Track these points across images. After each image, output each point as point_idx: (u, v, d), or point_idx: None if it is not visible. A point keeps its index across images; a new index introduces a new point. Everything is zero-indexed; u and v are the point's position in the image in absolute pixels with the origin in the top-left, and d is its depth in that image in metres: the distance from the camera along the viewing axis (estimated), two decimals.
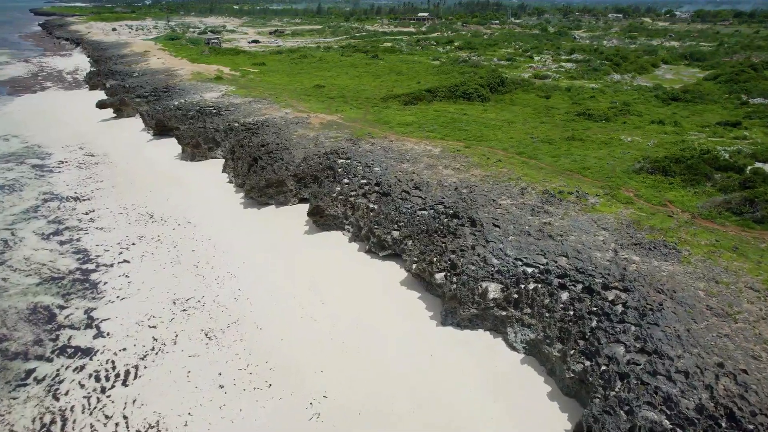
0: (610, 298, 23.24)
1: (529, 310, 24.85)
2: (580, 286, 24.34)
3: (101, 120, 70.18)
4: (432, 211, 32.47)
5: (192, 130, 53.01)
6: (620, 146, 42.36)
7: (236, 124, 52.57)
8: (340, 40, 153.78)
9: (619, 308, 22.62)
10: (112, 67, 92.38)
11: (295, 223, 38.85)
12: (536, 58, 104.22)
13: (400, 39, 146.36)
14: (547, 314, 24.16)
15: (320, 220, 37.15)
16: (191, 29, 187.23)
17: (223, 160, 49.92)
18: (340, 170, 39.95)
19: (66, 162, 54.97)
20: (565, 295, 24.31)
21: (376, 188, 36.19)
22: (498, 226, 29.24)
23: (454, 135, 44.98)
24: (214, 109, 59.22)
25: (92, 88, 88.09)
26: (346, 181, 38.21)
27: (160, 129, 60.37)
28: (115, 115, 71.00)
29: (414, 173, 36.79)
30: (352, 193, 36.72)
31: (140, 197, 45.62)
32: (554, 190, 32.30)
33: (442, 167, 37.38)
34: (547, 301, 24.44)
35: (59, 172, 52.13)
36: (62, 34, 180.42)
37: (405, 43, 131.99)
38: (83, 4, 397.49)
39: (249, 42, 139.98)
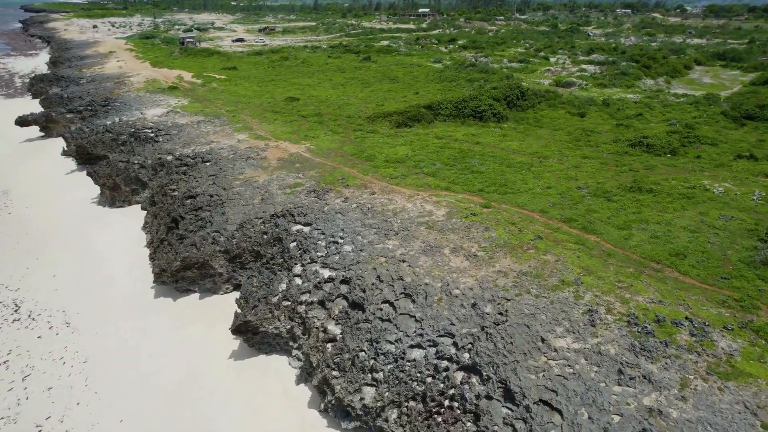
0: None
1: None
2: None
3: (25, 140, 55.84)
4: (433, 350, 18.21)
5: (109, 167, 38.71)
6: (712, 203, 27.93)
7: (169, 158, 38.22)
8: (334, 38, 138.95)
9: None
10: (60, 71, 77.90)
11: (222, 335, 24.52)
12: (552, 60, 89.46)
13: (399, 37, 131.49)
14: None
15: (254, 338, 22.89)
16: (176, 26, 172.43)
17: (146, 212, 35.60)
18: (292, 245, 25.67)
19: None
20: None
21: (342, 289, 21.89)
22: (559, 411, 14.98)
23: (464, 182, 30.55)
24: (152, 131, 44.85)
25: (35, 95, 73.65)
26: (297, 270, 23.87)
27: (84, 157, 46.05)
28: (42, 134, 56.69)
29: (404, 262, 22.46)
30: (304, 298, 22.39)
31: (18, 270, 31.39)
32: (647, 316, 17.98)
33: (448, 251, 23.02)
34: None
35: None
36: (36, 31, 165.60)
37: (403, 42, 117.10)
38: (77, 0, 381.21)
39: (233, 41, 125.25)
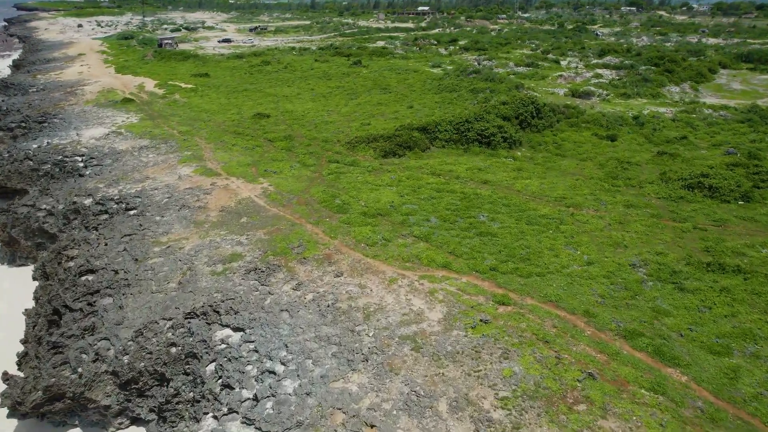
0: None
1: None
2: None
3: None
4: None
5: (5, 214, 29.63)
6: None
7: (88, 201, 29.17)
8: (327, 38, 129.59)
9: None
10: (12, 77, 68.78)
11: None
12: (563, 63, 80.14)
13: (396, 37, 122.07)
14: None
15: None
16: (164, 26, 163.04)
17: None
18: (209, 369, 16.66)
19: None
20: None
21: None
22: None
23: (470, 252, 21.41)
24: (83, 160, 35.86)
25: None
26: (207, 429, 14.79)
27: None
28: None
29: (373, 428, 13.42)
30: None
31: None
32: None
33: (446, 406, 13.90)
34: None
35: None
36: (16, 30, 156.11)
37: (400, 43, 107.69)
38: None
39: (219, 41, 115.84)
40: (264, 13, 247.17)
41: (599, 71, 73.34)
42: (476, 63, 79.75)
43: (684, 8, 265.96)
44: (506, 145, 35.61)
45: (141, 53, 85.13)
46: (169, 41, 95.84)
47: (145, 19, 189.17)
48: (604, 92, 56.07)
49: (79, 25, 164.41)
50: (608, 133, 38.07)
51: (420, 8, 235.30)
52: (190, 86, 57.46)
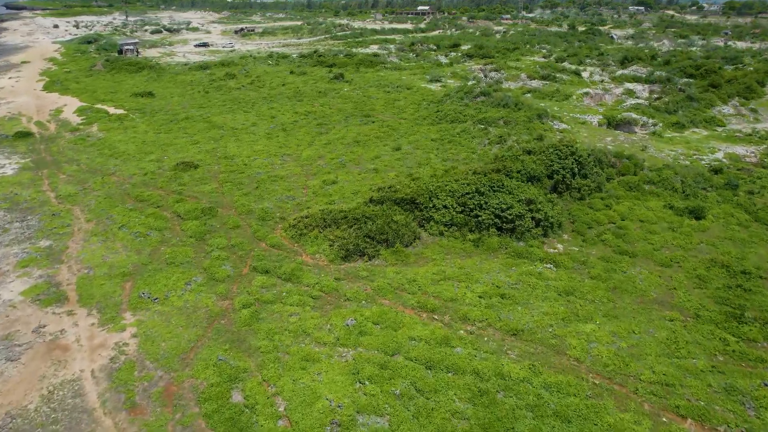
0: None
1: None
2: None
3: None
4: None
5: None
6: None
7: None
8: (317, 41, 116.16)
9: None
10: None
11: None
12: (584, 74, 66.63)
13: (392, 40, 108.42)
14: None
15: None
16: (146, 27, 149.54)
17: None
18: None
19: None
20: None
21: None
22: None
23: None
24: None
25: None
26: None
27: None
28: None
29: None
30: None
31: None
32: None
33: None
34: None
35: None
36: None
37: (395, 47, 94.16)
38: None
39: (195, 45, 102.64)
40: (258, 12, 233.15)
41: (629, 86, 59.99)
42: (482, 74, 66.41)
43: (693, 7, 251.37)
44: (539, 231, 22.37)
45: (92, 62, 71.75)
46: (131, 47, 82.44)
47: (128, 19, 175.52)
48: (650, 120, 42.81)
49: (55, 26, 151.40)
50: (689, 205, 24.76)
51: (419, 8, 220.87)
52: (120, 112, 44.15)
